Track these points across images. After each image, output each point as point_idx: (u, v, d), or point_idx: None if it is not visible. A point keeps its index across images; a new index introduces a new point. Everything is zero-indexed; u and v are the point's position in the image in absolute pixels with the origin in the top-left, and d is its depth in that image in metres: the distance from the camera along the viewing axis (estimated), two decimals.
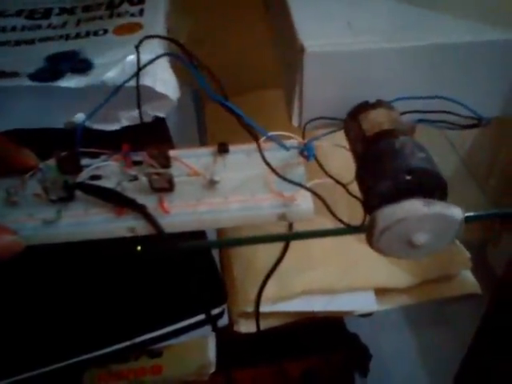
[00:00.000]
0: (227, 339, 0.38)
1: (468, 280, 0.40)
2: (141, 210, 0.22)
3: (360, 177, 0.23)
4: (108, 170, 0.25)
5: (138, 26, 0.31)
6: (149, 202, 0.23)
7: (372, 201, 0.22)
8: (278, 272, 0.33)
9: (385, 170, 0.22)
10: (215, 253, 0.40)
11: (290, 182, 0.23)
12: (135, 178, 0.24)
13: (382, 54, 0.26)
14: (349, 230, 0.24)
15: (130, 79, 0.26)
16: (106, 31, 0.31)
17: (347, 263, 0.39)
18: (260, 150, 0.23)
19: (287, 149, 0.24)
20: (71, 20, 0.33)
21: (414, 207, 0.21)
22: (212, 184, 0.24)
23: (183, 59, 0.25)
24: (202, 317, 0.31)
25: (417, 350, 0.62)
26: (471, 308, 0.47)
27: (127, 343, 0.30)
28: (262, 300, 0.36)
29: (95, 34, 0.31)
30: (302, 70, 0.26)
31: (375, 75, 0.27)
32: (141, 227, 0.23)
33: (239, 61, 0.50)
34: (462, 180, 0.49)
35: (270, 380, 0.50)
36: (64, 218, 0.23)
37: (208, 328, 0.34)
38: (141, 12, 0.32)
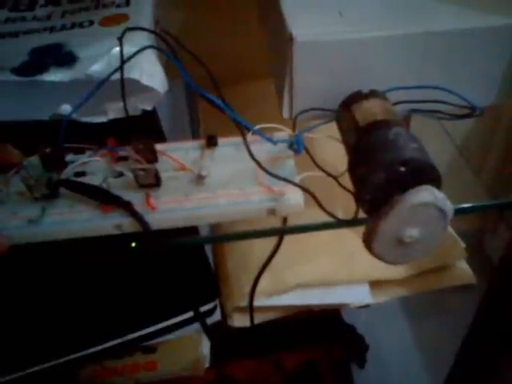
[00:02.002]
0: (223, 333, 0.38)
1: (463, 270, 0.40)
2: (126, 208, 0.22)
3: (352, 168, 0.23)
4: (93, 166, 0.24)
5: (125, 17, 0.30)
6: (135, 198, 0.23)
7: (364, 193, 0.21)
8: (272, 266, 0.33)
9: (378, 161, 0.21)
10: (209, 247, 0.40)
11: (277, 177, 0.22)
12: (121, 174, 0.23)
13: (374, 42, 0.25)
14: (342, 223, 0.24)
15: (114, 72, 0.25)
16: (91, 23, 0.30)
17: (342, 256, 0.38)
18: (247, 145, 0.23)
19: (274, 143, 0.24)
20: (56, 11, 0.32)
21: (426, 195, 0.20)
22: (200, 179, 0.23)
23: (166, 52, 0.25)
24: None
25: (414, 340, 0.62)
26: (468, 298, 0.47)
27: (119, 340, 0.30)
28: (256, 294, 0.36)
29: (81, 25, 0.30)
30: (291, 60, 0.26)
31: (367, 64, 0.26)
32: (128, 224, 0.22)
33: (234, 50, 0.49)
34: (458, 169, 0.48)
35: (267, 373, 0.50)
36: (49, 215, 0.22)
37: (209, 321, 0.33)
38: (127, 3, 0.32)
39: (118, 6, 0.31)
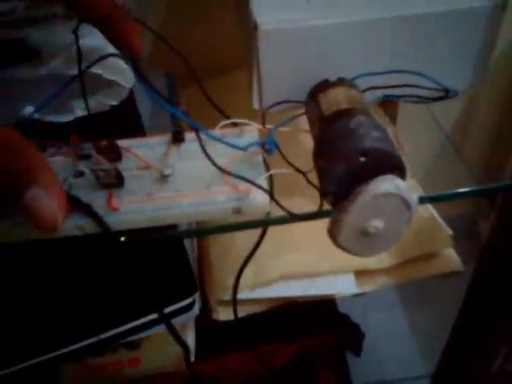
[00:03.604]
0: (214, 325, 0.38)
1: (450, 258, 0.39)
2: (86, 209, 0.21)
3: (315, 160, 0.22)
4: (54, 165, 0.24)
5: None
6: (97, 198, 0.22)
7: (327, 185, 0.21)
8: (255, 258, 0.32)
9: (338, 152, 0.20)
10: (192, 241, 0.40)
11: (238, 177, 0.21)
12: (82, 174, 0.23)
13: (342, 28, 0.24)
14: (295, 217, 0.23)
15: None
16: (55, 16, 0.29)
17: (325, 246, 0.37)
18: (202, 147, 0.22)
19: (244, 149, 0.22)
20: (20, 6, 0.31)
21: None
22: (164, 177, 0.23)
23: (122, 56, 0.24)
24: (173, 307, 0.31)
25: (408, 328, 0.62)
26: (460, 284, 0.46)
27: (93, 339, 0.29)
28: (240, 287, 0.35)
29: (45, 19, 0.29)
30: (257, 49, 0.25)
31: (336, 52, 0.25)
32: (89, 225, 0.22)
33: (216, 41, 0.48)
34: (447, 156, 0.48)
35: (261, 364, 0.50)
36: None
37: (185, 317, 0.33)
38: None
39: None
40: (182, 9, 0.47)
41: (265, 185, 0.22)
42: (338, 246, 0.21)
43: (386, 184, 0.19)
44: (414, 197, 0.19)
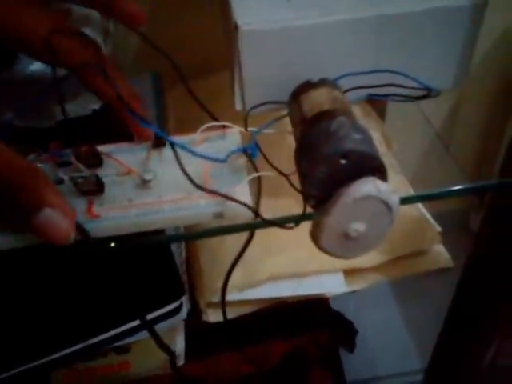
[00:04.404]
0: (204, 327, 0.38)
1: (439, 254, 0.39)
2: None
3: (297, 163, 0.22)
4: None
5: (68, 12, 0.29)
6: (77, 205, 0.22)
7: (308, 188, 0.21)
8: (243, 259, 0.32)
9: (319, 154, 0.20)
10: (180, 244, 0.39)
11: (212, 192, 0.21)
12: (62, 181, 0.22)
13: (323, 28, 0.24)
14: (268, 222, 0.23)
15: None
16: None
17: (314, 246, 0.38)
18: (179, 163, 0.22)
19: (224, 160, 0.22)
20: None
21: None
22: (145, 183, 0.22)
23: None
24: (160, 312, 0.31)
25: (400, 323, 0.62)
26: (453, 279, 0.46)
27: (81, 345, 0.29)
28: (229, 289, 0.35)
29: None
30: (238, 50, 0.24)
31: (318, 52, 0.25)
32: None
33: (201, 42, 0.48)
34: (436, 152, 0.47)
35: (253, 364, 0.50)
36: None
37: (173, 320, 0.33)
38: None
39: None
40: (167, 8, 0.47)
41: (247, 188, 0.22)
42: (321, 248, 0.21)
43: (367, 186, 0.19)
44: (395, 198, 0.19)
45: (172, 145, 0.22)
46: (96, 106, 0.27)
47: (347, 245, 0.21)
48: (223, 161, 0.22)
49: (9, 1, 0.21)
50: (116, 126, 0.32)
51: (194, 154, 0.22)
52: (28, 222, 0.20)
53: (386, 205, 0.19)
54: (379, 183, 0.19)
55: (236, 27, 0.24)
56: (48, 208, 0.20)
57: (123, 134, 0.33)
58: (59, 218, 0.20)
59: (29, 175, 0.20)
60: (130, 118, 0.23)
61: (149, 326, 0.24)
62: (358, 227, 0.20)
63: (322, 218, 0.20)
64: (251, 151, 0.22)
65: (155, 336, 0.22)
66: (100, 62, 0.22)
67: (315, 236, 0.21)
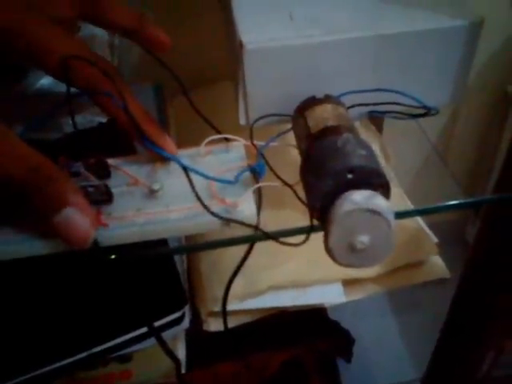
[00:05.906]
0: (205, 336, 0.38)
1: (436, 265, 0.40)
2: None
3: (303, 176, 0.22)
4: None
5: (77, 27, 0.30)
6: None
7: (314, 201, 0.21)
8: (244, 269, 0.33)
9: (326, 169, 0.21)
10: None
11: (210, 213, 0.22)
12: None
13: (324, 46, 0.25)
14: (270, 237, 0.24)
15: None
16: None
17: (313, 256, 0.38)
18: (190, 182, 0.23)
19: (233, 182, 0.23)
20: None
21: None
22: (152, 193, 0.23)
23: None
24: (163, 321, 0.31)
25: (397, 333, 0.63)
26: (449, 290, 0.47)
27: (84, 354, 0.30)
28: (230, 298, 0.36)
29: None
30: (243, 67, 0.25)
31: (320, 69, 0.26)
32: None
33: (204, 54, 0.49)
34: (433, 165, 0.48)
35: (252, 373, 0.50)
36: None
37: (175, 330, 0.33)
38: None
39: None
40: (171, 21, 0.48)
41: (252, 198, 0.23)
42: (335, 260, 0.22)
43: (352, 200, 0.20)
44: (390, 210, 0.20)
45: (184, 169, 0.23)
46: (103, 119, 0.28)
47: (357, 256, 0.21)
48: (233, 182, 0.23)
49: (33, 14, 0.22)
50: (122, 138, 0.33)
51: (206, 177, 0.23)
52: (46, 221, 0.19)
53: (383, 218, 0.20)
54: (371, 195, 0.20)
55: (241, 45, 0.25)
56: (70, 207, 0.19)
57: (129, 147, 0.34)
58: (80, 218, 0.19)
59: (50, 173, 0.20)
60: (144, 143, 0.24)
61: (156, 333, 0.24)
62: (363, 240, 0.20)
63: (328, 226, 0.21)
64: (259, 170, 0.23)
65: (163, 343, 0.23)
66: (120, 95, 0.22)
67: (327, 249, 0.22)
